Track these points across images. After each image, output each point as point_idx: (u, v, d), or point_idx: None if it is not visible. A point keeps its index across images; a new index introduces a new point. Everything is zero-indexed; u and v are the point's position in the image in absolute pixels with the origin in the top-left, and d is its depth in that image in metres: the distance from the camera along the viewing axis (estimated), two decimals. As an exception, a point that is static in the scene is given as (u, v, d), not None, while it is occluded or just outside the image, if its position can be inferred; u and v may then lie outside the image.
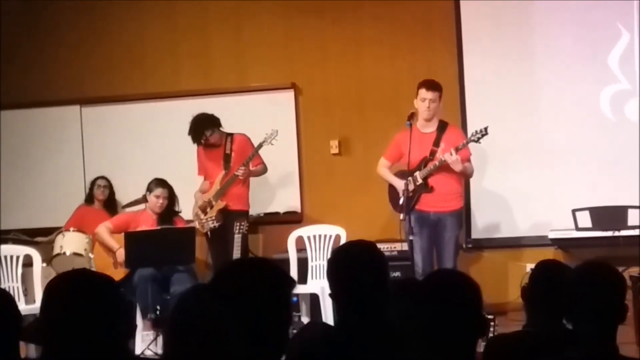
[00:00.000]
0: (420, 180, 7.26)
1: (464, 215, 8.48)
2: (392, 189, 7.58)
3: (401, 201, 7.30)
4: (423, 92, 7.32)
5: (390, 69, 8.91)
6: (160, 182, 7.96)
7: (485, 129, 7.09)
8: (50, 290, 2.55)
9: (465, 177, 7.37)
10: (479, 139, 7.14)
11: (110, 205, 9.05)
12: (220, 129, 8.27)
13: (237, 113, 8.92)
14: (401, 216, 7.23)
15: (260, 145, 8.09)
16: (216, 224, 7.84)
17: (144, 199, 8.14)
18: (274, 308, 2.54)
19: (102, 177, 9.06)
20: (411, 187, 7.25)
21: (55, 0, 9.60)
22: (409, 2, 8.97)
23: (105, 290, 2.53)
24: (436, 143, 7.34)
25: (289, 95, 9.26)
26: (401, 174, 7.49)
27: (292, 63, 9.29)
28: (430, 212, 7.32)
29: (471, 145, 7.31)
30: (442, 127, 7.42)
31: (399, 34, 9.05)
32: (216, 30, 9.48)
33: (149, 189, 7.96)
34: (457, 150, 7.12)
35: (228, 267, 2.74)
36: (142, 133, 9.46)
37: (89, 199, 9.05)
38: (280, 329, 2.59)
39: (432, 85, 7.35)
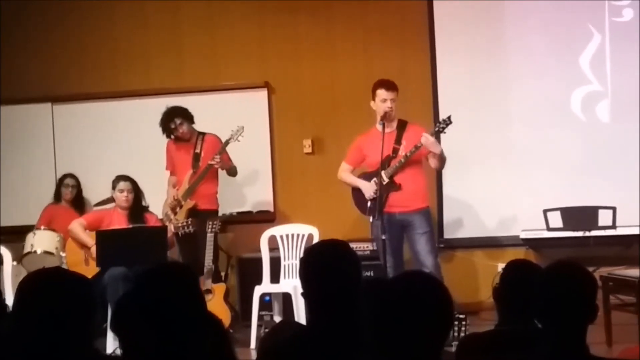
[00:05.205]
0: (386, 180, 7.22)
1: (437, 215, 8.53)
2: (356, 192, 7.53)
3: (369, 204, 7.29)
4: (383, 93, 7.31)
5: (364, 68, 8.91)
6: (122, 177, 7.96)
7: (449, 117, 7.10)
8: (24, 288, 2.54)
9: (442, 162, 7.33)
10: (443, 128, 7.14)
11: (78, 204, 8.99)
12: (192, 125, 8.26)
13: (209, 112, 8.89)
14: (370, 219, 7.23)
15: (227, 143, 8.06)
16: (191, 229, 7.79)
17: (112, 199, 8.11)
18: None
19: (70, 176, 8.99)
20: (377, 187, 7.21)
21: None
22: (382, 1, 8.99)
23: (78, 288, 2.52)
24: (397, 141, 7.34)
25: (262, 94, 9.24)
26: (364, 177, 7.48)
27: (265, 62, 9.28)
28: (396, 213, 7.28)
29: (443, 144, 7.32)
30: (402, 125, 7.42)
31: (372, 33, 9.07)
32: (188, 28, 9.45)
33: (113, 187, 7.95)
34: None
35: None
36: (114, 131, 9.41)
37: (57, 197, 8.99)
38: None
39: (390, 85, 7.35)
